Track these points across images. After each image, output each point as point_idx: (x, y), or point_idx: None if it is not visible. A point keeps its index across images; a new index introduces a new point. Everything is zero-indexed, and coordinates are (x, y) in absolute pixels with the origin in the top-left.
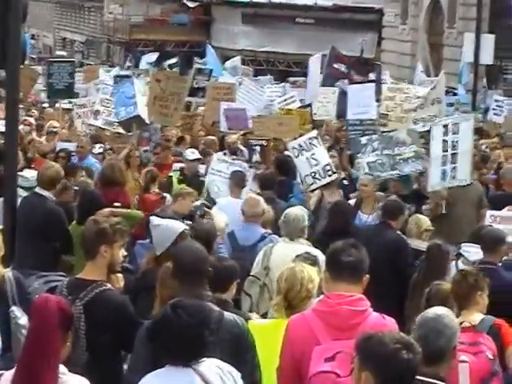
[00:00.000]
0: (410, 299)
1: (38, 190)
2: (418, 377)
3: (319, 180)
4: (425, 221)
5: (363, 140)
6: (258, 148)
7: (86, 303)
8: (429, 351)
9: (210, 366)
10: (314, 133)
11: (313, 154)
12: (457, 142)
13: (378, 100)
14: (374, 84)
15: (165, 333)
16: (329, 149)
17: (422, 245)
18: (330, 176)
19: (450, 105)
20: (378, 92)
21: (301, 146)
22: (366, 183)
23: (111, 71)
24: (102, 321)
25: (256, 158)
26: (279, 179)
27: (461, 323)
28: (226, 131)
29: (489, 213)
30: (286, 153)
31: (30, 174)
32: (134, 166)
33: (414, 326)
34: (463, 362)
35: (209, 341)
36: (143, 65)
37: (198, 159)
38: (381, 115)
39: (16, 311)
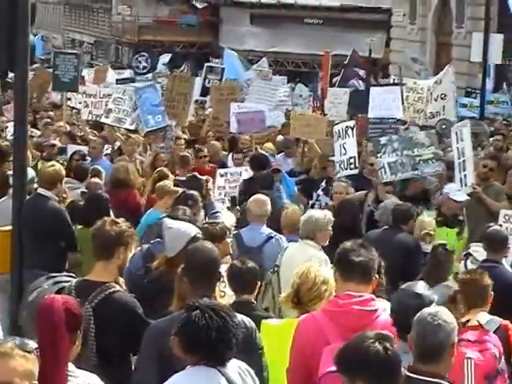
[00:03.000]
0: None
1: (40, 190)
2: (419, 376)
3: (342, 170)
4: (428, 224)
5: (383, 140)
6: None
7: (95, 305)
8: (427, 347)
9: (233, 366)
10: (352, 122)
11: (344, 143)
12: (463, 148)
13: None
14: (398, 87)
15: (197, 334)
16: None
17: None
18: (351, 169)
19: (463, 106)
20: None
21: (339, 132)
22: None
23: (123, 74)
24: (112, 322)
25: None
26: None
27: (467, 321)
28: (236, 133)
29: (502, 212)
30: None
31: None
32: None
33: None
34: (469, 358)
35: (235, 342)
36: (160, 66)
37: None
38: None
39: None
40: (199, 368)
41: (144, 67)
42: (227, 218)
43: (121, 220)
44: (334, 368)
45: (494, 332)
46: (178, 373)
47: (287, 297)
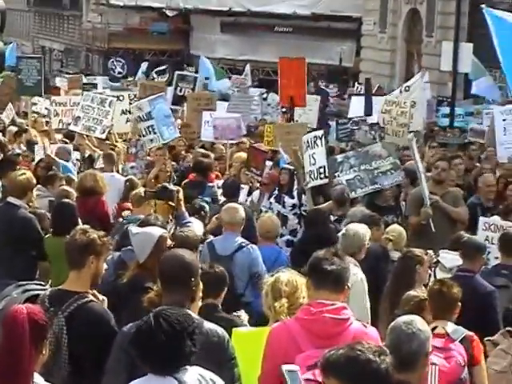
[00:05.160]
0: (381, 305)
1: (9, 199)
2: None
3: (312, 180)
4: (391, 230)
5: (339, 158)
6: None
7: (68, 315)
8: (402, 355)
9: (192, 374)
10: (320, 132)
11: (314, 153)
12: (417, 162)
13: (369, 114)
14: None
15: (146, 342)
16: None
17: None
18: (321, 179)
19: (446, 116)
20: (369, 105)
21: (307, 142)
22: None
23: (93, 80)
24: (84, 333)
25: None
26: (196, 180)
27: (434, 328)
28: (206, 140)
29: (482, 220)
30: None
31: None
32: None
33: (387, 333)
34: (433, 364)
35: (190, 350)
36: (139, 75)
37: None
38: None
39: None
40: (154, 376)
41: (119, 72)
42: (197, 228)
43: (91, 229)
44: (306, 376)
45: (460, 342)
46: (135, 380)
47: (283, 306)
